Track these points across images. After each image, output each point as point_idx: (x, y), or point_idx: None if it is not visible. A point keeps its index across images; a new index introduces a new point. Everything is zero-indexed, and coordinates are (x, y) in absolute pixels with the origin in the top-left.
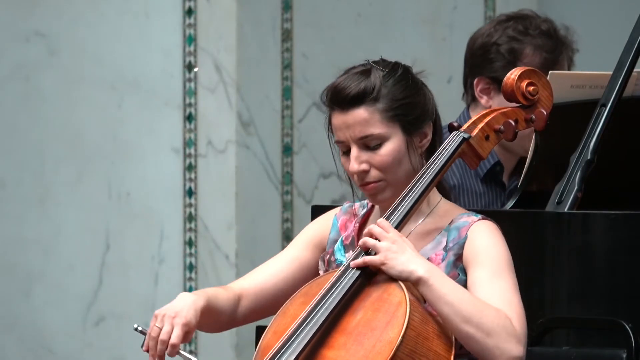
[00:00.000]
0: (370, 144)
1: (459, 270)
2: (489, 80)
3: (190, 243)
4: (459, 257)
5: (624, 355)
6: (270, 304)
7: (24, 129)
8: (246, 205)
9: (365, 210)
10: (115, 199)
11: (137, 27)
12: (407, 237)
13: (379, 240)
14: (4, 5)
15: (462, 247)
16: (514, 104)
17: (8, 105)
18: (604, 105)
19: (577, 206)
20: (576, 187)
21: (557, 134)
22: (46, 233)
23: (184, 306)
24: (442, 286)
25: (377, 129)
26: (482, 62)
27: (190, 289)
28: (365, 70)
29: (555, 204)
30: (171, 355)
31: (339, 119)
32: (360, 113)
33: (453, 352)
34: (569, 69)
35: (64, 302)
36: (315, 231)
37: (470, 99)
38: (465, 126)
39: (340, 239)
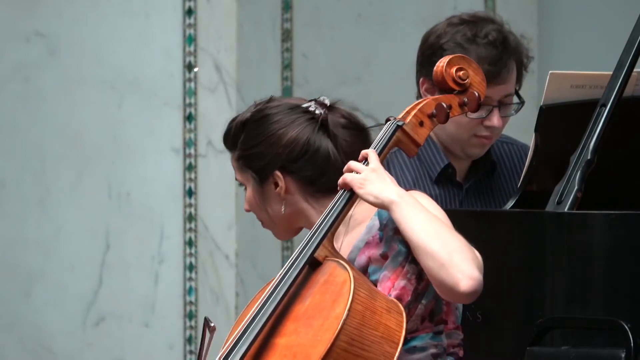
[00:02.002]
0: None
1: (397, 242)
2: (433, 82)
3: (190, 243)
4: (397, 230)
5: (623, 355)
6: None
7: (24, 129)
8: None
9: None
10: (115, 199)
11: (137, 27)
12: (344, 242)
13: (359, 173)
14: (4, 5)
15: None
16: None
17: (8, 105)
18: (604, 105)
19: (577, 206)
20: (576, 187)
21: (557, 134)
22: (46, 233)
23: None
24: (412, 207)
25: (238, 175)
26: (428, 64)
27: (190, 289)
28: (239, 115)
29: (555, 204)
30: None
31: None
32: (231, 157)
33: (404, 327)
34: (519, 78)
35: (64, 302)
36: None
37: (418, 95)
38: (399, 116)
39: None
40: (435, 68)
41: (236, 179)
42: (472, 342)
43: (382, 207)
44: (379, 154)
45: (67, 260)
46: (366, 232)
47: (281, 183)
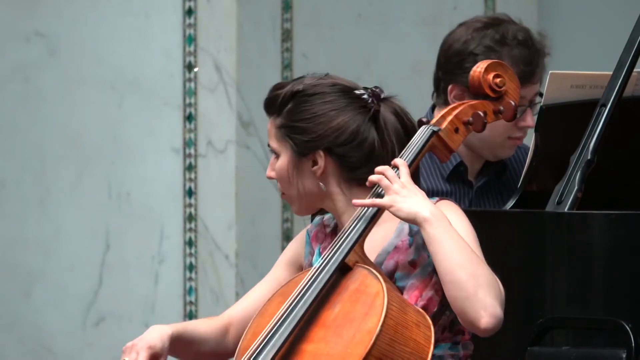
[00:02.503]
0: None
1: (428, 253)
2: (465, 88)
3: (190, 243)
4: None
5: (624, 355)
6: None
7: (24, 129)
8: (246, 205)
9: (335, 220)
10: (115, 199)
11: (137, 27)
12: (369, 238)
13: (391, 182)
14: (4, 5)
15: None
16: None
17: (8, 105)
18: (604, 105)
19: (577, 206)
20: (576, 187)
21: (557, 134)
22: (46, 233)
23: (148, 333)
24: (444, 230)
25: (273, 142)
26: (457, 70)
27: (190, 289)
28: (288, 82)
29: (555, 204)
30: None
31: None
32: (270, 122)
33: (432, 342)
34: (541, 78)
35: (64, 302)
36: (291, 250)
37: (442, 102)
38: (434, 120)
39: (317, 250)
40: (472, 73)
41: (269, 145)
42: (472, 342)
43: (413, 223)
44: (414, 159)
45: (67, 260)
46: (395, 235)
47: (321, 162)
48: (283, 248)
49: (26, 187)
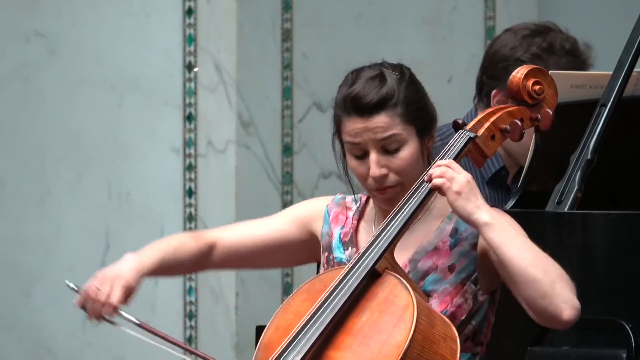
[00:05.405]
0: (389, 147)
1: (470, 259)
2: (508, 94)
3: None
4: (474, 246)
5: (624, 355)
6: (242, 260)
7: (24, 129)
8: (246, 205)
9: (359, 204)
10: (115, 199)
11: (137, 27)
12: (408, 232)
13: (452, 177)
14: (4, 5)
15: (477, 236)
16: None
17: (8, 105)
18: (604, 105)
19: (577, 206)
20: (576, 187)
21: (557, 134)
22: (46, 233)
23: (126, 268)
24: (508, 231)
25: (398, 132)
26: (502, 75)
27: (190, 289)
28: (379, 75)
29: (555, 204)
30: (109, 314)
31: (358, 124)
32: (382, 119)
33: (458, 355)
34: None
35: (64, 302)
36: (305, 211)
37: (484, 106)
38: (470, 125)
39: (337, 235)
40: (511, 78)
41: (392, 134)
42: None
43: (469, 223)
44: None
45: (67, 260)
46: (436, 235)
47: (435, 137)
48: None
49: (26, 187)
